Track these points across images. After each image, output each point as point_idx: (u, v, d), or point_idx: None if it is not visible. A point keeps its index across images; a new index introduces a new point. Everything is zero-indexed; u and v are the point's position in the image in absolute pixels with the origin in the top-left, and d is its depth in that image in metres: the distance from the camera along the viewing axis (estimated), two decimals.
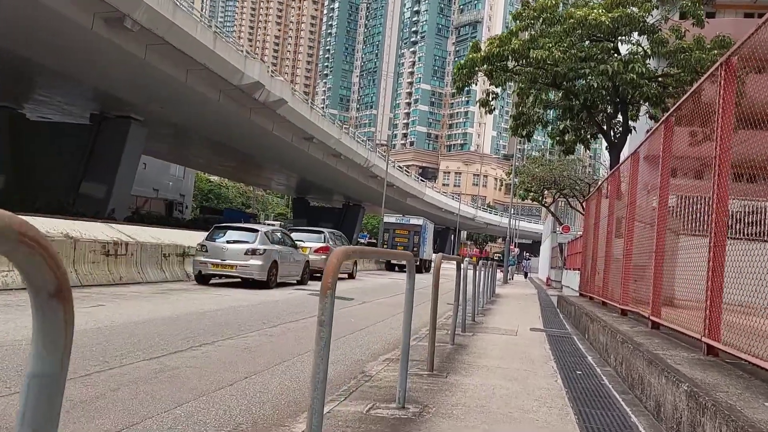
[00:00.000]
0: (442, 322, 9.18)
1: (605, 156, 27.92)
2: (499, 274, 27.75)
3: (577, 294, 15.30)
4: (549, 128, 20.97)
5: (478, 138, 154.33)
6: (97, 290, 9.60)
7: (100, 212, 25.27)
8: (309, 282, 15.75)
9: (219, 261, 12.37)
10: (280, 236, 13.99)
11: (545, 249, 39.91)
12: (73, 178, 26.24)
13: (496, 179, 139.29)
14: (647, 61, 17.68)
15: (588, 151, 23.10)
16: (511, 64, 18.49)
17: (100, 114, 26.83)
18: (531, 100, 19.54)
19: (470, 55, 18.19)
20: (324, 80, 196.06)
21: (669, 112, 6.69)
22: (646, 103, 18.11)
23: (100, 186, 25.88)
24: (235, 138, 32.93)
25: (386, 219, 34.19)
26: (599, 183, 14.14)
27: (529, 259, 37.41)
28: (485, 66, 18.16)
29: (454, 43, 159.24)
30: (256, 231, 12.94)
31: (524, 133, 19.82)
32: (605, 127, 18.95)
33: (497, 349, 6.65)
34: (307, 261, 15.27)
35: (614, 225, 10.70)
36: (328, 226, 64.21)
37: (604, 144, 24.65)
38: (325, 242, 17.49)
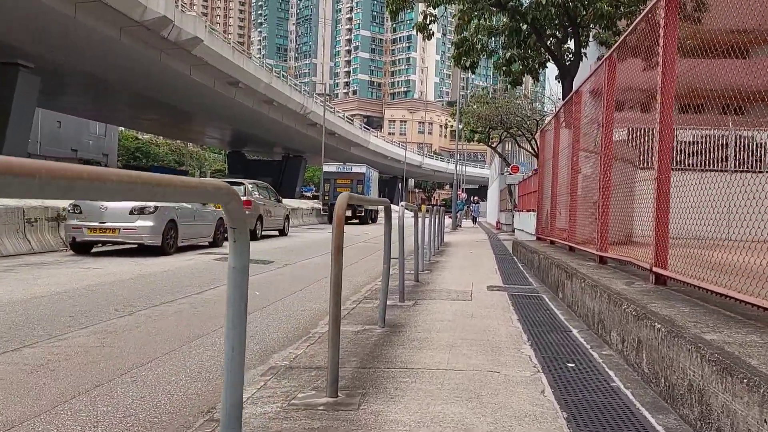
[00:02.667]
0: (375, 288, 7.09)
1: (551, 89, 26.07)
2: (448, 221, 26.02)
3: (534, 238, 13.54)
4: (494, 58, 18.86)
5: (422, 85, 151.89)
6: None
7: None
8: (225, 243, 13.39)
9: (97, 224, 9.84)
10: None
11: (493, 192, 38.45)
12: None
13: (441, 126, 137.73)
14: None
15: (537, 83, 21.11)
16: None
17: None
18: (474, 26, 17.38)
19: None
20: (259, 29, 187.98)
21: None
22: (597, 26, 16.22)
23: None
24: (148, 85, 29.39)
25: (326, 168, 31.71)
26: (557, 109, 12.20)
27: (477, 203, 35.70)
28: None
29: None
30: None
31: (468, 63, 17.64)
32: (556, 54, 16.99)
33: (447, 329, 4.59)
34: (221, 218, 12.85)
35: (578, 156, 8.78)
36: (268, 180, 61.11)
37: (551, 75, 22.85)
38: (245, 195, 15.06)
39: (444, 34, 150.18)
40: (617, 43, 6.23)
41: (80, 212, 9.94)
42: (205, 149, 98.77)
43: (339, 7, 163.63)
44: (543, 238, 12.05)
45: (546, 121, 24.14)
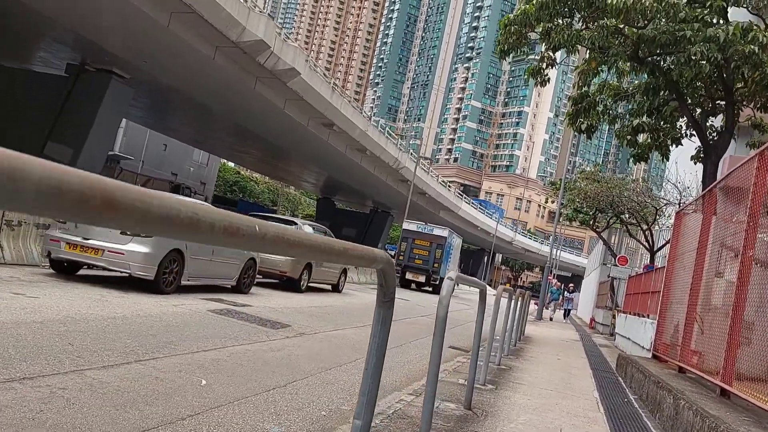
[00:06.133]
0: (402, 409, 4.30)
1: (678, 175, 22.30)
2: (532, 307, 22.55)
3: (648, 354, 10.10)
4: (617, 125, 15.82)
5: (525, 162, 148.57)
6: None
7: None
8: (253, 289, 10.98)
9: (79, 239, 7.70)
10: None
11: (589, 283, 34.20)
12: (39, 137, 22.28)
13: (539, 206, 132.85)
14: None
15: (666, 160, 17.48)
16: (578, 24, 13.50)
17: (80, 65, 22.76)
18: (598, 85, 14.66)
19: (522, 7, 13.23)
20: (374, 89, 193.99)
21: None
22: (752, 104, 12.89)
23: (66, 149, 21.79)
24: (240, 113, 28.49)
25: (406, 226, 29.12)
26: (715, 183, 9.03)
27: (573, 293, 31.19)
28: (542, 25, 13.18)
29: (509, 62, 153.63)
30: None
31: (584, 126, 14.74)
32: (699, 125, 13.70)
33: None
34: (252, 259, 10.49)
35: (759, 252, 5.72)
36: (352, 231, 59.69)
37: (679, 156, 19.41)
38: None
39: (556, 115, 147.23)
40: None
41: (65, 222, 7.87)
42: (302, 193, 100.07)
43: (454, 76, 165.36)
44: (664, 359, 8.68)
45: (669, 207, 20.40)
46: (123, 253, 7.63)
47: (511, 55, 13.73)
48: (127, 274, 7.92)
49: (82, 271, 8.59)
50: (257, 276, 12.64)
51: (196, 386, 4.10)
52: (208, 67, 22.00)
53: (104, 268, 7.97)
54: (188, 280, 8.67)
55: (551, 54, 13.20)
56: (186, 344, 5.30)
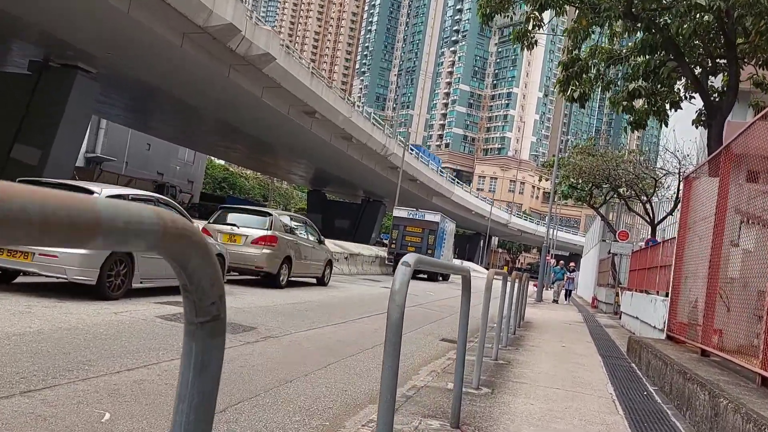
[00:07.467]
0: (374, 415, 3.30)
1: (676, 142, 21.27)
2: (532, 289, 21.66)
3: (662, 335, 9.16)
4: (612, 91, 14.79)
5: (517, 143, 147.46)
6: None
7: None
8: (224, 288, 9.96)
9: None
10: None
11: (589, 261, 33.32)
12: (5, 140, 21.11)
13: (533, 187, 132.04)
14: None
15: (665, 126, 16.35)
16: None
17: (43, 61, 21.54)
18: (589, 49, 13.66)
19: None
20: (361, 78, 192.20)
21: None
22: (754, 60, 11.93)
23: (34, 150, 20.63)
24: (215, 105, 27.25)
25: (396, 213, 28.10)
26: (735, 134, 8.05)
27: (574, 271, 29.82)
28: None
29: (496, 44, 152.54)
30: (91, 193, 7.19)
31: (576, 93, 13.68)
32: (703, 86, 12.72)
33: None
34: (219, 255, 9.48)
35: None
36: (345, 222, 58.62)
37: (676, 122, 18.45)
38: (270, 229, 11.68)
39: (546, 95, 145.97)
40: None
41: None
42: (294, 187, 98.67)
43: (441, 61, 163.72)
44: (681, 341, 7.74)
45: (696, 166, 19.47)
46: (56, 256, 6.61)
47: (495, 18, 12.69)
48: (65, 280, 6.90)
49: (19, 279, 7.56)
50: (233, 273, 11.70)
51: (94, 423, 3.10)
52: (177, 56, 20.83)
53: (35, 274, 6.94)
54: (141, 283, 7.65)
55: (537, 14, 12.17)
56: (107, 363, 4.30)
